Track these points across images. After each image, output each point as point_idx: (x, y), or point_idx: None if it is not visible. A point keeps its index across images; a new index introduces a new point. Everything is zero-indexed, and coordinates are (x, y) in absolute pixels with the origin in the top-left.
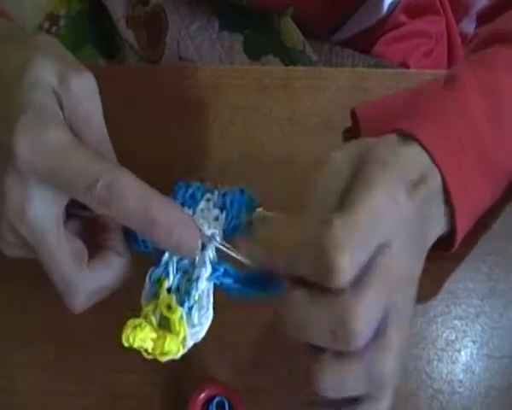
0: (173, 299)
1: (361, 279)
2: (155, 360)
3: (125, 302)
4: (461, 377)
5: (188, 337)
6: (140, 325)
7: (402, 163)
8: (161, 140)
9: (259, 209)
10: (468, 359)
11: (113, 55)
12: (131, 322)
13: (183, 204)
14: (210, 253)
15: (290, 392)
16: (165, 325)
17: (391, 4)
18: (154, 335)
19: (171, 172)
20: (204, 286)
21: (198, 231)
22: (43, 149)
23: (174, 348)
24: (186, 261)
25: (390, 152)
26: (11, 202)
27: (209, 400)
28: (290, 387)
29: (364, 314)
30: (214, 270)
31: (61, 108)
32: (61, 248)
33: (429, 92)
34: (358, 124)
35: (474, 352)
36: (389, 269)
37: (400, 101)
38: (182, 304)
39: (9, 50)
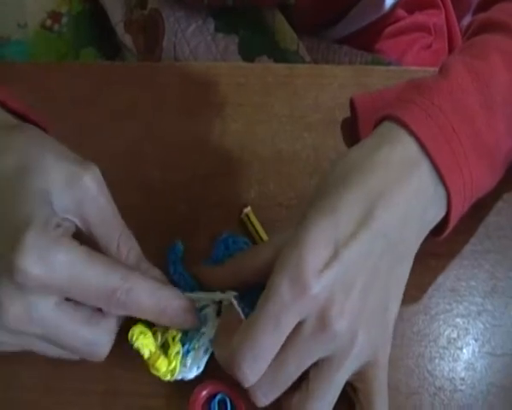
0: (179, 336)
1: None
2: None
3: None
4: (463, 374)
5: (177, 371)
6: (146, 333)
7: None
8: (163, 137)
9: (247, 209)
10: (470, 356)
11: (114, 57)
12: (140, 327)
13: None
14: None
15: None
16: (164, 350)
17: (393, 2)
18: (153, 349)
19: (173, 169)
20: (205, 342)
21: (196, 315)
22: (58, 268)
23: (163, 369)
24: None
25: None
26: (14, 315)
27: (211, 397)
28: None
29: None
30: None
31: (76, 211)
32: (71, 322)
33: (422, 81)
34: (357, 113)
35: (476, 350)
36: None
37: (398, 92)
38: (183, 344)
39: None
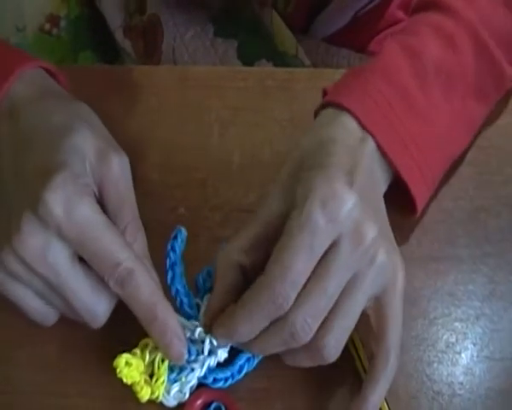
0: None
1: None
2: None
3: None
4: (461, 379)
5: (160, 397)
6: (131, 365)
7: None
8: (162, 140)
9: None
10: (469, 361)
11: (113, 61)
12: (126, 357)
13: None
14: (212, 360)
15: (289, 394)
16: (152, 366)
17: None
18: (137, 378)
19: (172, 172)
20: (192, 379)
21: (185, 345)
22: (77, 217)
23: (146, 397)
24: (192, 351)
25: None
26: (31, 246)
27: (206, 405)
28: (289, 388)
29: (302, 324)
30: (205, 375)
31: (96, 182)
32: (78, 281)
33: (361, 66)
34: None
35: (475, 354)
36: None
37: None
38: (172, 369)
39: (51, 109)
